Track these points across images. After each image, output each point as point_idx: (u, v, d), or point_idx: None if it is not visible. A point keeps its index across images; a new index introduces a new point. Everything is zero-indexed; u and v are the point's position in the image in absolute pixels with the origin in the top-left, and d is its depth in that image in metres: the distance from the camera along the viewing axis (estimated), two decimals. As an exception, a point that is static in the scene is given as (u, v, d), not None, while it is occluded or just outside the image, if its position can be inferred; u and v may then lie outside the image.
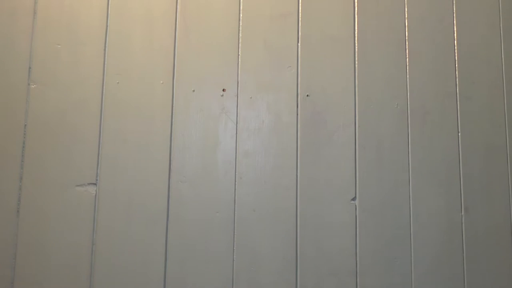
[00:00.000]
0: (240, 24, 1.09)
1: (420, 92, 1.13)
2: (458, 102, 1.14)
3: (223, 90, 1.06)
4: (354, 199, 1.07)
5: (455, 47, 1.16)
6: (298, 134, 1.07)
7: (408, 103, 1.12)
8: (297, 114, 1.07)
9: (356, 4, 1.14)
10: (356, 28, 1.13)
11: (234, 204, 1.03)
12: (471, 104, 1.15)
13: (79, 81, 1.02)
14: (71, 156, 0.99)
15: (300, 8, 1.11)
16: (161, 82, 1.05)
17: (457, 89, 1.15)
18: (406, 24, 1.15)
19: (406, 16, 1.15)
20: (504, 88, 1.17)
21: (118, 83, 1.03)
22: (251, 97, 1.07)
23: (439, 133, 1.12)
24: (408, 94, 1.12)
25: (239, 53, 1.08)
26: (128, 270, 0.98)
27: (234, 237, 1.02)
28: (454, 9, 1.18)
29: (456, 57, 1.16)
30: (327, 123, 1.08)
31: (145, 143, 1.02)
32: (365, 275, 1.05)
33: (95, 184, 0.99)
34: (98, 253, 0.98)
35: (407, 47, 1.14)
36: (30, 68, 1.01)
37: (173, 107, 1.04)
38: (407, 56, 1.14)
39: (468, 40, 1.17)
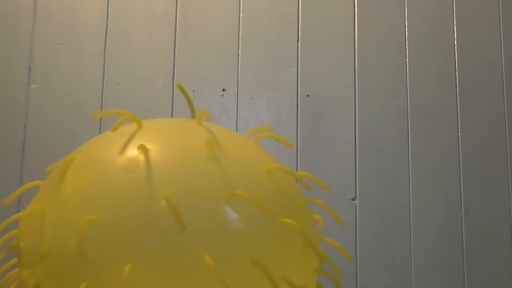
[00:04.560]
0: (240, 24, 1.09)
1: (420, 92, 1.13)
2: (458, 102, 1.14)
3: (223, 90, 1.06)
4: (354, 199, 1.07)
5: (455, 47, 1.16)
6: (298, 134, 1.07)
7: (408, 103, 1.12)
8: (297, 114, 1.07)
9: (356, 4, 1.14)
10: (356, 28, 1.13)
11: (234, 204, 1.03)
12: (471, 104, 1.15)
13: (79, 81, 1.02)
14: (71, 156, 0.99)
15: (300, 8, 1.11)
16: (161, 82, 1.05)
17: (457, 89, 1.15)
18: (406, 24, 1.15)
19: (406, 16, 1.15)
20: (504, 88, 1.17)
21: (118, 83, 1.03)
22: (251, 97, 1.07)
23: (439, 133, 1.12)
24: (408, 94, 1.12)
25: (239, 53, 1.08)
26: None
27: (234, 237, 1.02)
28: (454, 9, 1.18)
29: (456, 57, 1.16)
30: (327, 123, 1.08)
31: (145, 143, 1.02)
32: (365, 275, 1.05)
33: (95, 184, 0.99)
34: (98, 253, 0.97)
35: (407, 47, 1.14)
36: (30, 68, 1.01)
37: (173, 107, 1.04)
38: (407, 56, 1.14)
39: (468, 40, 1.17)
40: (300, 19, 1.11)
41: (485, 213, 1.11)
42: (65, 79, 1.02)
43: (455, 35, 1.17)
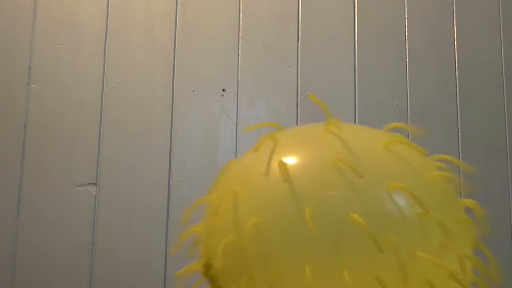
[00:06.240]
0: (240, 24, 1.09)
1: (420, 92, 1.13)
2: (458, 102, 1.14)
3: (223, 90, 1.06)
4: (354, 199, 1.06)
5: (455, 47, 1.16)
6: (298, 134, 1.07)
7: (408, 103, 1.12)
8: (297, 114, 1.07)
9: (356, 4, 1.14)
10: (356, 28, 1.13)
11: (234, 204, 1.03)
12: (471, 104, 1.15)
13: (79, 81, 1.02)
14: (71, 156, 0.99)
15: (300, 8, 1.11)
16: (161, 82, 1.05)
17: (457, 89, 1.15)
18: (406, 24, 1.15)
19: (406, 16, 1.15)
20: (504, 88, 1.17)
21: (118, 83, 1.03)
22: (251, 97, 1.07)
23: (439, 133, 1.12)
24: (408, 94, 1.12)
25: (239, 53, 1.08)
26: (128, 270, 0.98)
27: (234, 237, 1.02)
28: (454, 9, 1.18)
29: (456, 57, 1.16)
30: (327, 123, 1.08)
31: (145, 143, 1.02)
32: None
33: (95, 184, 0.99)
34: (98, 253, 0.98)
35: (407, 47, 1.14)
36: (30, 68, 1.01)
37: (173, 107, 1.04)
38: (407, 56, 1.14)
39: (468, 40, 1.17)
40: (300, 19, 1.11)
41: (485, 213, 1.11)
42: (65, 79, 1.02)
43: (455, 35, 1.17)
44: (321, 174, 0.43)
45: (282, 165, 0.43)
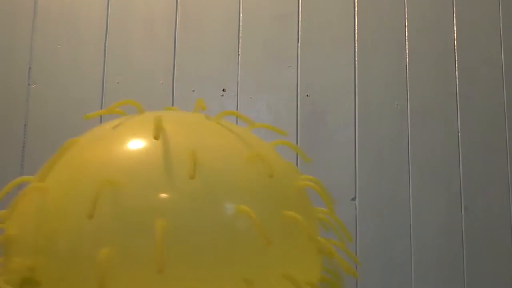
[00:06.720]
0: (240, 24, 1.09)
1: (420, 92, 1.13)
2: (458, 102, 1.14)
3: (223, 90, 1.06)
4: (354, 199, 1.07)
5: (455, 47, 1.16)
6: (298, 134, 1.07)
7: (408, 103, 1.12)
8: (297, 114, 1.07)
9: (356, 4, 1.14)
10: (356, 28, 1.13)
11: (234, 204, 1.03)
12: (471, 104, 1.15)
13: (79, 81, 1.02)
14: (71, 156, 0.99)
15: (300, 8, 1.11)
16: (161, 82, 1.05)
17: (457, 89, 1.15)
18: (406, 24, 1.15)
19: (406, 16, 1.15)
20: (504, 88, 1.17)
21: (118, 83, 1.03)
22: (251, 97, 1.07)
23: (439, 133, 1.12)
24: (408, 94, 1.12)
25: (239, 53, 1.08)
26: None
27: (234, 237, 1.02)
28: (454, 9, 1.18)
29: (456, 57, 1.16)
30: (327, 123, 1.08)
31: (145, 143, 1.02)
32: (365, 275, 1.05)
33: (95, 184, 0.99)
34: (98, 253, 0.97)
35: (407, 47, 1.14)
36: (30, 68, 1.01)
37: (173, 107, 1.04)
38: (407, 56, 1.14)
39: (468, 40, 1.17)
40: (300, 19, 1.11)
41: (485, 213, 1.11)
42: (65, 79, 1.02)
43: (455, 35, 1.17)
44: (235, 171, 0.38)
45: (193, 156, 0.35)
